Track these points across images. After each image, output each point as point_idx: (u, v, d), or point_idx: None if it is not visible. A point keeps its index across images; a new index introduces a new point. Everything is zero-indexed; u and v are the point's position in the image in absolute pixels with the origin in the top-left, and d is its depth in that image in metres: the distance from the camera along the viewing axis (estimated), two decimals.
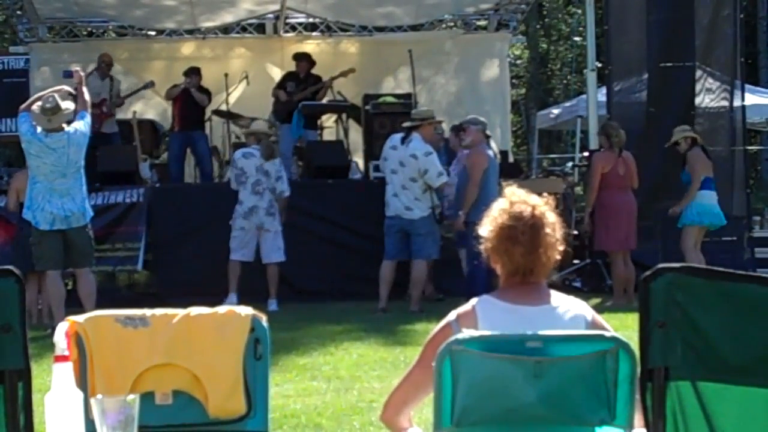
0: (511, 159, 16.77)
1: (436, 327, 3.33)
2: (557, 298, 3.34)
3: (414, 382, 3.32)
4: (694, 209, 12.01)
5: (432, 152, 11.65)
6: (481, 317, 3.26)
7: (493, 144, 11.75)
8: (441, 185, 11.59)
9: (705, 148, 12.27)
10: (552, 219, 3.34)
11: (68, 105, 10.00)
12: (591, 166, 12.34)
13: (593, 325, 3.30)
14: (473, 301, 3.34)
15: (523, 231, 3.29)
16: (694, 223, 12.03)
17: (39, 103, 9.97)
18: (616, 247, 12.00)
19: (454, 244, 12.09)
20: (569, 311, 3.31)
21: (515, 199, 3.35)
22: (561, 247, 3.37)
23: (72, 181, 10.05)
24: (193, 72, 14.80)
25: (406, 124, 11.77)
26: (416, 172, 11.49)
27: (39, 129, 9.94)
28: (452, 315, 3.32)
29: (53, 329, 9.63)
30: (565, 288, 12.25)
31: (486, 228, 3.36)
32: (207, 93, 14.86)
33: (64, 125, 9.99)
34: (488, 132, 11.71)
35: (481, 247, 3.39)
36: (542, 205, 3.34)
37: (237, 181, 12.11)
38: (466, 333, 3.06)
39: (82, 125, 10.09)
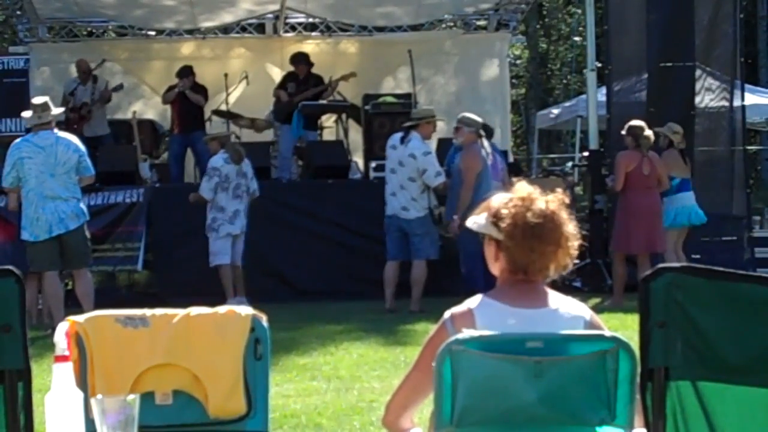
0: (511, 159, 16.76)
1: (432, 329, 3.32)
2: (555, 299, 3.32)
3: (413, 385, 3.32)
4: (671, 212, 11.97)
5: (431, 152, 11.64)
6: (479, 319, 3.24)
7: (486, 143, 11.68)
8: (439, 185, 11.56)
9: (683, 151, 12.22)
10: (566, 215, 3.32)
11: (57, 110, 10.45)
12: (615, 166, 12.13)
13: (591, 326, 3.28)
14: (470, 301, 3.31)
15: (546, 227, 3.26)
16: (673, 225, 11.99)
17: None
18: (638, 250, 11.73)
19: (454, 244, 12.08)
20: (568, 313, 3.29)
21: (526, 194, 3.31)
22: (577, 242, 3.34)
23: (61, 184, 10.19)
24: (185, 73, 14.79)
25: (406, 124, 11.78)
26: (415, 172, 11.48)
27: (29, 132, 10.27)
28: (447, 314, 3.29)
29: (53, 329, 9.69)
30: (565, 288, 12.20)
31: (500, 223, 3.31)
32: (203, 91, 14.85)
33: (55, 129, 10.29)
34: (482, 132, 11.62)
35: (490, 242, 3.34)
36: (555, 201, 3.32)
37: (219, 188, 11.95)
38: (467, 333, 3.05)
39: (74, 138, 10.45)
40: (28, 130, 10.65)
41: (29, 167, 10.14)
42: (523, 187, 3.34)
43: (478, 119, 11.63)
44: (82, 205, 10.41)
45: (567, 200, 3.35)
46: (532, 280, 3.31)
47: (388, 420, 3.39)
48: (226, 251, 11.99)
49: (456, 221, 11.00)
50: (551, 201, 3.30)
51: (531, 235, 3.25)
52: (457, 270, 12.10)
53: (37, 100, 10.51)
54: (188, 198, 12.17)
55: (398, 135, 11.75)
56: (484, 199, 3.43)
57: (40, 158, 10.12)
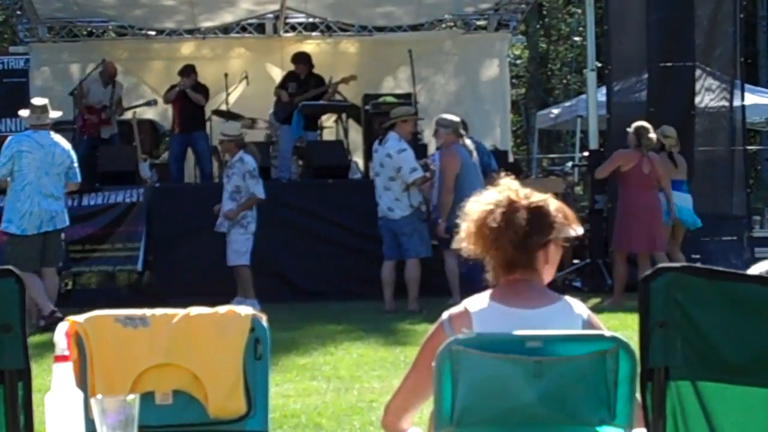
0: (511, 159, 16.77)
1: (429, 330, 3.32)
2: (553, 298, 3.32)
3: (411, 387, 3.31)
4: (682, 213, 11.98)
5: (406, 149, 11.62)
6: (477, 320, 3.24)
7: (468, 142, 11.70)
8: (416, 180, 11.54)
9: (673, 154, 12.22)
10: (551, 208, 3.32)
11: (55, 114, 10.63)
12: (610, 158, 12.16)
13: (590, 325, 3.28)
14: (467, 302, 3.31)
15: (509, 217, 3.26)
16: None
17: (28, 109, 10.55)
18: (638, 249, 11.75)
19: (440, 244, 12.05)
20: (566, 312, 3.29)
21: (502, 188, 3.31)
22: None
23: (53, 185, 10.33)
24: (187, 72, 14.78)
25: (384, 125, 11.83)
26: (393, 171, 11.52)
27: (28, 130, 10.46)
28: (444, 315, 3.29)
29: (41, 317, 9.73)
30: (565, 288, 12.25)
31: (472, 219, 3.31)
32: (204, 90, 14.85)
33: (51, 131, 10.45)
34: (462, 131, 11.64)
35: (468, 243, 3.34)
36: (535, 195, 3.32)
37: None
38: (466, 333, 3.05)
39: (67, 143, 10.63)
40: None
41: (28, 162, 10.26)
42: (507, 183, 3.33)
43: (455, 119, 11.67)
44: (65, 209, 10.61)
45: (524, 191, 3.32)
46: (527, 279, 3.31)
47: (387, 421, 3.38)
48: (248, 251, 11.91)
49: (441, 225, 11.03)
50: (531, 195, 3.30)
51: (495, 226, 3.25)
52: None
53: (37, 101, 10.66)
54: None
55: (380, 138, 11.84)
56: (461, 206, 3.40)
57: (39, 155, 10.27)
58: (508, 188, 3.31)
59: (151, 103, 15.22)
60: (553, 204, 3.32)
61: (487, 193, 3.32)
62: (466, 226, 3.31)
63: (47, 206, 10.28)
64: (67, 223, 10.56)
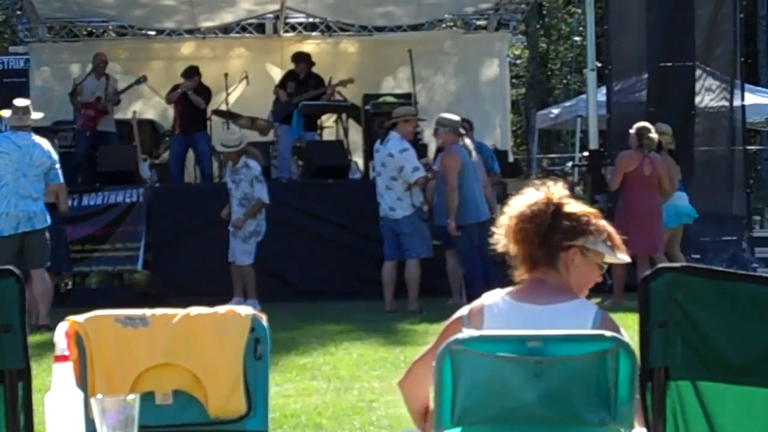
0: (511, 159, 16.77)
1: (451, 317, 3.36)
2: (566, 297, 3.35)
3: (427, 364, 3.34)
4: (672, 211, 11.99)
5: (408, 148, 11.62)
6: (488, 315, 3.29)
7: (467, 141, 11.70)
8: (418, 180, 11.54)
9: (672, 151, 12.22)
10: (587, 218, 3.37)
11: (37, 115, 10.67)
12: (615, 164, 12.19)
13: (601, 323, 3.30)
14: (485, 297, 3.37)
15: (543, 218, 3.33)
16: (674, 224, 12.03)
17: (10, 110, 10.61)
18: (639, 250, 11.76)
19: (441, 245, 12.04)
20: (576, 311, 3.31)
21: (545, 189, 3.38)
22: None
23: (32, 185, 10.32)
24: (190, 74, 14.78)
25: (386, 124, 11.84)
26: (395, 171, 11.51)
27: (8, 130, 10.59)
28: (464, 310, 3.35)
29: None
30: None
31: (509, 212, 3.39)
32: (206, 92, 14.85)
33: (32, 133, 10.46)
34: (461, 131, 11.65)
35: (503, 236, 3.40)
36: (577, 204, 3.38)
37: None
38: (467, 333, 3.06)
39: (49, 144, 10.58)
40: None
41: (5, 163, 10.29)
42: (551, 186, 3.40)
43: (455, 118, 11.68)
44: (46, 210, 10.56)
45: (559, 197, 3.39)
46: (546, 278, 3.36)
47: (404, 384, 3.43)
48: (254, 252, 12.01)
49: (452, 224, 11.01)
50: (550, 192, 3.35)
51: (518, 224, 3.34)
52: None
53: (19, 102, 10.67)
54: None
55: (381, 137, 11.85)
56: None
57: (17, 156, 10.29)
58: (549, 189, 3.38)
59: (140, 81, 15.17)
60: (597, 219, 3.38)
61: (530, 191, 3.40)
62: (504, 219, 3.40)
63: (25, 207, 10.27)
64: (48, 222, 10.46)
